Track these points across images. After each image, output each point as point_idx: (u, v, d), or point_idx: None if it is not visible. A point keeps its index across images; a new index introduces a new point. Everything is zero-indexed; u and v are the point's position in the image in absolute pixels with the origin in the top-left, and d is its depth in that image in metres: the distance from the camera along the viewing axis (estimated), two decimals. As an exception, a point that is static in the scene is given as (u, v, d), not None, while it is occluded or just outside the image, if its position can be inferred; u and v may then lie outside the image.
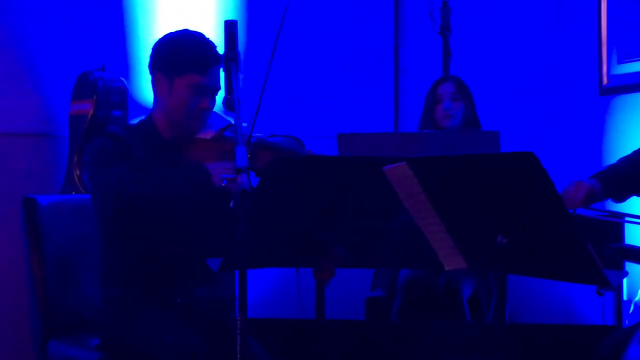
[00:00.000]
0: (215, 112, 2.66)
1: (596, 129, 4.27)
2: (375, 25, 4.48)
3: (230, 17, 2.92)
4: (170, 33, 2.66)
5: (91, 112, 3.75)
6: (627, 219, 2.58)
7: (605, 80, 4.24)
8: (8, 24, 3.86)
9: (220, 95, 2.24)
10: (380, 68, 4.51)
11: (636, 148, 4.05)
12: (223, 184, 2.02)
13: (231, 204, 2.17)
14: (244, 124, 2.12)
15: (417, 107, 4.46)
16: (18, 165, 3.84)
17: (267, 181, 2.07)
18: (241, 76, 2.18)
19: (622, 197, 2.66)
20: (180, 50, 2.57)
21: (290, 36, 4.32)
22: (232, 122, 2.57)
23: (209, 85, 2.57)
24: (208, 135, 2.56)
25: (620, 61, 4.17)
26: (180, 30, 2.67)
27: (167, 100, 2.60)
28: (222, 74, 2.25)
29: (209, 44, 2.59)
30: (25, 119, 3.91)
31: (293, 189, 2.09)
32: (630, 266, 3.26)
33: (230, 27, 2.17)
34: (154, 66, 2.63)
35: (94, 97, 3.76)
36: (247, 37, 4.23)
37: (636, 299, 3.68)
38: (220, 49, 2.20)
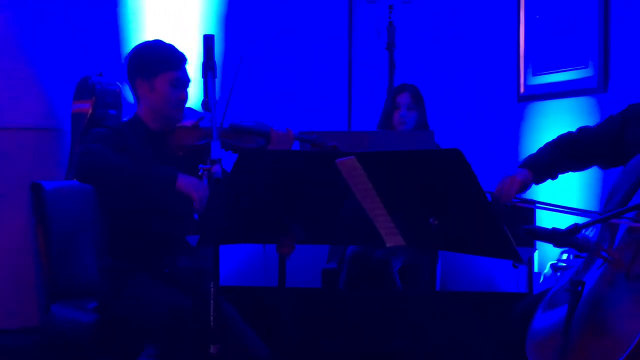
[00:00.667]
0: (190, 107, 2.66)
1: (514, 130, 4.32)
2: (332, 41, 4.47)
3: (209, 31, 2.89)
4: (136, 46, 2.69)
5: (90, 110, 3.74)
6: (537, 205, 2.58)
7: (522, 89, 4.28)
8: (20, 37, 3.85)
9: (199, 99, 2.23)
10: (337, 77, 4.50)
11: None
12: (200, 173, 2.01)
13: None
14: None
15: (366, 109, 4.48)
16: (27, 154, 3.81)
17: (238, 171, 2.07)
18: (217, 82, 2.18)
19: (552, 177, 2.61)
20: (153, 55, 2.59)
21: (262, 50, 4.34)
22: (203, 116, 2.59)
23: (183, 78, 2.59)
24: (188, 123, 2.56)
25: (535, 73, 4.21)
26: (142, 42, 2.71)
27: (150, 99, 2.60)
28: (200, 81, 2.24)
29: (172, 47, 2.62)
30: (34, 115, 3.90)
31: (260, 178, 2.09)
32: (540, 244, 3.31)
33: (208, 40, 2.16)
34: (132, 74, 2.63)
35: (93, 98, 3.75)
36: (224, 49, 4.23)
37: (545, 271, 3.74)
38: (200, 60, 2.19)
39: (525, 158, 2.61)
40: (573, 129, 2.67)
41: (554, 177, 2.62)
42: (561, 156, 2.58)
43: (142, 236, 2.54)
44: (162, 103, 2.58)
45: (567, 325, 1.94)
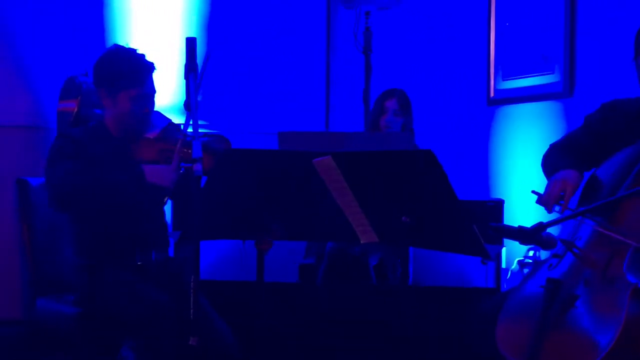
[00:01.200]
0: (157, 111, 2.61)
1: (485, 132, 4.35)
2: (310, 45, 4.46)
3: (191, 34, 2.86)
4: (105, 52, 2.59)
5: (76, 109, 3.70)
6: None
7: (492, 93, 4.30)
8: (9, 38, 3.83)
9: (182, 99, 2.20)
10: (315, 79, 4.50)
11: (516, 148, 4.13)
12: (181, 172, 2.00)
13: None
14: (200, 122, 2.10)
15: (344, 111, 4.47)
16: (13, 151, 3.78)
17: (219, 169, 2.06)
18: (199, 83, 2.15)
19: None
20: (117, 69, 2.49)
21: (243, 52, 4.33)
22: (171, 120, 2.57)
23: (147, 92, 2.52)
24: (152, 135, 2.50)
25: (505, 78, 4.24)
26: (113, 48, 2.61)
27: (113, 111, 2.54)
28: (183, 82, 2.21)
29: (140, 57, 2.53)
30: (21, 114, 3.86)
31: (240, 177, 2.08)
32: (507, 241, 3.32)
33: (190, 43, 2.13)
34: (97, 84, 2.57)
35: (79, 97, 3.70)
36: (206, 51, 4.20)
37: (512, 267, 3.76)
38: (182, 61, 2.16)
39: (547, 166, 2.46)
40: (540, 131, 2.66)
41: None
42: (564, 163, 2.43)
43: (112, 234, 2.50)
44: (125, 117, 2.52)
45: (543, 320, 1.94)
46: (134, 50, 2.57)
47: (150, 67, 2.52)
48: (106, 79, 2.52)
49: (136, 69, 2.50)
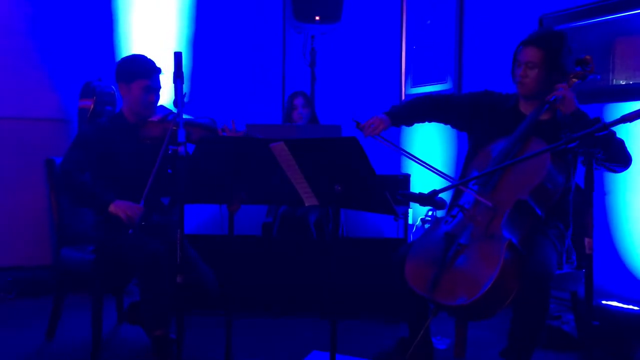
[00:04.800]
0: (162, 105, 2.58)
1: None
2: (271, 60, 4.44)
3: (178, 49, 2.80)
4: (123, 57, 2.62)
5: (92, 106, 3.64)
6: (397, 147, 2.43)
7: (403, 96, 4.35)
8: (40, 52, 3.78)
9: (172, 99, 2.17)
10: (275, 85, 4.47)
11: (419, 137, 4.18)
12: (170, 153, 1.97)
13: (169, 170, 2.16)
14: (186, 116, 2.08)
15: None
16: (43, 137, 3.72)
17: (199, 151, 2.03)
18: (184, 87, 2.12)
19: (408, 125, 2.50)
20: (132, 66, 2.52)
21: (220, 63, 4.28)
22: (173, 110, 2.49)
23: (153, 85, 2.51)
24: (156, 119, 2.48)
25: (413, 86, 4.28)
26: (128, 55, 2.64)
27: (128, 99, 2.54)
28: (172, 86, 2.17)
29: (149, 60, 2.53)
30: (47, 109, 3.80)
31: (216, 156, 2.06)
32: (413, 204, 3.37)
33: (177, 56, 2.10)
34: (117, 79, 2.56)
35: (94, 97, 3.64)
36: (192, 61, 4.16)
37: (417, 223, 3.83)
38: (172, 70, 2.13)
39: (392, 107, 2.45)
40: (437, 125, 2.65)
41: (409, 125, 2.52)
42: (423, 108, 2.44)
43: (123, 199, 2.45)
44: (136, 103, 2.51)
45: (443, 261, 1.98)
46: (145, 57, 2.57)
47: (158, 68, 2.53)
48: (125, 73, 2.52)
49: (148, 67, 2.51)
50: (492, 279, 1.87)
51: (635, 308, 2.48)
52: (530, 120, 2.17)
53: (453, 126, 2.49)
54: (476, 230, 2.04)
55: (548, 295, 1.99)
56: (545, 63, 2.16)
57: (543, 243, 2.11)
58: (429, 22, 4.09)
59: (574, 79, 2.16)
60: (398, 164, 4.24)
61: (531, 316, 1.99)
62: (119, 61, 2.58)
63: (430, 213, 3.75)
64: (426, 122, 2.49)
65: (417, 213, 3.94)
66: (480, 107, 2.37)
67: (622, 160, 2.11)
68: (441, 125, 2.54)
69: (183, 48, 4.09)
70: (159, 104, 2.57)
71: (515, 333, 2.04)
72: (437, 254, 2.03)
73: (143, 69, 2.49)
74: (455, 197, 2.32)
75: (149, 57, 2.56)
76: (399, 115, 2.41)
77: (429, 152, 3.96)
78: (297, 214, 3.49)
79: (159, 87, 2.54)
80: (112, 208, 2.34)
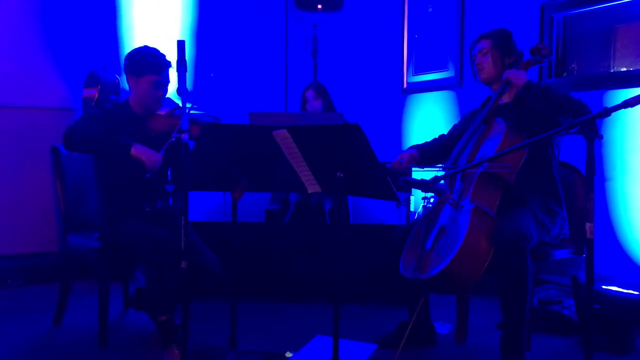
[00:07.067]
0: (169, 97, 2.57)
1: (399, 113, 4.39)
2: (274, 48, 4.42)
3: (182, 37, 2.80)
4: (134, 49, 2.54)
5: (96, 95, 3.63)
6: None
7: (405, 85, 4.34)
8: (46, 44, 3.77)
9: (175, 87, 2.16)
10: (278, 74, 4.46)
11: (421, 124, 4.18)
12: (173, 140, 1.96)
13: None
14: (188, 104, 2.07)
15: (298, 96, 4.46)
16: (49, 126, 3.71)
17: (202, 139, 2.03)
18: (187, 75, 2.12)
19: (429, 163, 2.59)
20: (142, 60, 2.46)
21: (224, 53, 4.27)
22: (179, 104, 2.50)
23: (162, 81, 2.47)
24: (163, 112, 2.48)
25: (415, 74, 4.27)
26: (141, 46, 2.55)
27: (136, 92, 2.50)
28: (176, 74, 2.17)
29: (161, 55, 2.48)
30: (53, 99, 3.79)
31: (220, 144, 2.05)
32: (414, 190, 3.38)
33: (180, 45, 2.08)
34: (125, 70, 2.51)
35: (99, 86, 3.63)
36: (196, 50, 4.15)
37: (418, 210, 3.83)
38: (174, 59, 2.12)
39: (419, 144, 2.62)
40: (439, 113, 2.71)
41: (428, 164, 2.60)
42: (439, 150, 2.59)
43: (126, 188, 2.46)
44: (144, 97, 2.48)
45: (423, 241, 2.07)
46: (157, 50, 2.51)
47: (168, 63, 2.47)
48: (135, 66, 2.47)
49: (158, 62, 2.46)
50: (461, 240, 1.93)
51: (635, 292, 2.49)
52: (492, 101, 2.33)
53: None
54: (452, 211, 2.14)
55: (525, 259, 2.03)
56: (495, 47, 2.42)
57: (521, 212, 2.19)
58: (430, 10, 4.07)
59: (530, 64, 2.35)
60: (399, 150, 4.25)
61: (512, 282, 2.04)
62: (130, 53, 2.51)
63: (432, 200, 3.75)
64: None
65: (418, 199, 3.94)
66: (467, 122, 2.56)
67: (576, 107, 2.15)
68: (441, 125, 2.64)
69: (186, 37, 4.08)
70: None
71: (502, 300, 2.10)
72: (418, 239, 2.12)
73: (154, 65, 2.44)
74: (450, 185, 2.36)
75: (160, 50, 2.50)
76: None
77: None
78: (312, 202, 3.49)
79: (168, 82, 2.50)
80: (133, 151, 2.29)
